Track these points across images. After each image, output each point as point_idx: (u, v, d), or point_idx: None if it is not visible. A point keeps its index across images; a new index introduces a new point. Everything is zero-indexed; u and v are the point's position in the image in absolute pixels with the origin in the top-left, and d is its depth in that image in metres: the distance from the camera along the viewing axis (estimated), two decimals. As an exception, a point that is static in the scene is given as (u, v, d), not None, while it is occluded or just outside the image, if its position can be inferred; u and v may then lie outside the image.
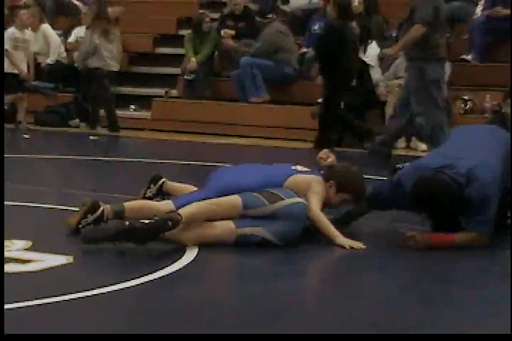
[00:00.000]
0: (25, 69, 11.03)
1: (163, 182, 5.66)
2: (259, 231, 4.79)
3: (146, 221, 4.64)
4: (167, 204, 5.10)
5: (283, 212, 4.81)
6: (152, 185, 5.69)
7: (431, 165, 4.96)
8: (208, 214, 4.81)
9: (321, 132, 9.61)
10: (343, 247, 4.85)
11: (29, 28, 11.41)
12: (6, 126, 10.37)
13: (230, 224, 4.79)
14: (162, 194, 5.65)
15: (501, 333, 3.44)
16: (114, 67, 11.02)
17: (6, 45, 10.86)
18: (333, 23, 9.74)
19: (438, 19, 8.44)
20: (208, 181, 5.28)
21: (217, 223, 4.80)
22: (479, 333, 3.48)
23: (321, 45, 9.75)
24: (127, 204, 5.14)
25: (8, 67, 10.94)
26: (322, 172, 5.28)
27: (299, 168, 5.30)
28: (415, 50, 8.42)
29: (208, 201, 4.87)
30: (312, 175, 5.21)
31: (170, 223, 4.59)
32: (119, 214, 5.06)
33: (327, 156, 5.59)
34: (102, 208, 5.02)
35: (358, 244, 4.89)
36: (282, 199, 4.84)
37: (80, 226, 5.02)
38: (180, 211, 4.75)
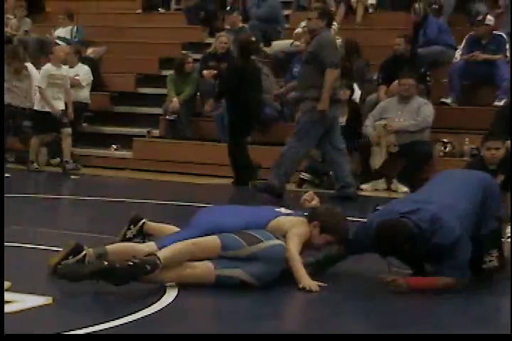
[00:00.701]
0: (61, 107, 10.88)
1: (143, 223, 5.64)
2: (237, 272, 4.80)
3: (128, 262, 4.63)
4: (150, 247, 5.09)
5: (261, 254, 4.82)
6: (132, 226, 5.65)
7: (398, 210, 5.02)
8: (187, 256, 4.82)
9: (238, 168, 9.97)
10: (306, 289, 4.85)
11: (65, 64, 11.28)
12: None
13: (208, 266, 4.80)
14: (142, 235, 5.62)
15: (501, 333, 3.41)
16: (23, 104, 11.34)
17: (42, 84, 10.71)
18: (236, 61, 10.22)
19: (339, 61, 8.85)
20: (192, 221, 5.28)
21: (196, 264, 4.80)
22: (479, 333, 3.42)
23: (222, 82, 10.29)
24: (110, 247, 5.13)
25: (39, 105, 10.83)
26: (306, 213, 5.30)
27: (283, 210, 5.33)
28: (311, 91, 8.67)
29: (188, 241, 4.88)
30: (296, 217, 5.23)
31: (148, 267, 4.59)
32: (102, 257, 5.04)
33: (311, 198, 5.62)
34: (84, 252, 5.01)
35: (317, 287, 4.88)
36: (261, 241, 4.86)
37: (60, 266, 5.00)
38: (159, 252, 4.75)
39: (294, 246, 5.00)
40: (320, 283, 4.92)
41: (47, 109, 10.77)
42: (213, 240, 4.89)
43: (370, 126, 9.90)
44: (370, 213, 6.11)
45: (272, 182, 8.85)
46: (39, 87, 10.74)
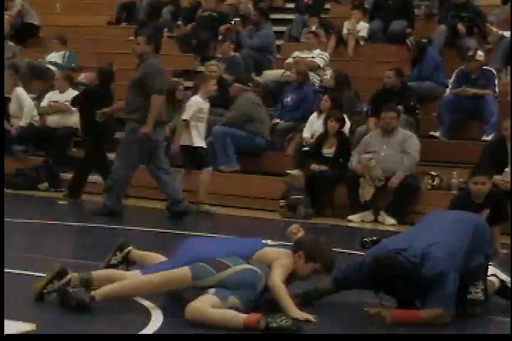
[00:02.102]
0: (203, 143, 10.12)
1: (129, 251, 5.63)
2: (234, 300, 4.77)
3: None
4: (134, 275, 5.09)
5: (231, 280, 4.82)
6: (118, 253, 5.64)
7: (390, 248, 5.08)
8: (151, 286, 4.86)
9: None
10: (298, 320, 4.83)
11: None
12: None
13: (218, 302, 4.72)
14: (127, 262, 5.61)
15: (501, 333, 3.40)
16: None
17: (189, 116, 9.83)
18: (92, 86, 11.06)
19: (165, 87, 9.28)
20: (177, 251, 5.28)
21: (209, 307, 4.70)
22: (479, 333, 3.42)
23: (77, 105, 10.94)
24: (95, 273, 5.12)
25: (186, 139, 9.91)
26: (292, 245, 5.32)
27: (270, 242, 5.34)
28: (135, 114, 9.05)
29: (156, 273, 4.91)
30: (281, 249, 5.24)
31: (74, 302, 4.68)
32: (86, 283, 5.04)
33: (297, 231, 5.63)
34: (69, 276, 5.00)
35: (310, 318, 4.87)
36: (229, 266, 4.86)
37: (45, 291, 4.99)
38: (113, 285, 4.81)
39: (277, 275, 4.99)
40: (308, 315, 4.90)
41: (195, 144, 9.92)
42: (182, 270, 4.91)
43: (355, 160, 9.93)
44: (358, 245, 6.17)
45: (106, 204, 9.23)
46: (185, 120, 9.93)
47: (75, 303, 4.71)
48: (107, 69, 11.09)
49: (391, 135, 9.97)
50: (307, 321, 4.83)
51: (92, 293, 4.75)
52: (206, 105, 10.10)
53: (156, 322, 4.56)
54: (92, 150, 10.71)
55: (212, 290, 4.79)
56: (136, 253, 5.64)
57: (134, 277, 5.04)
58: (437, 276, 4.92)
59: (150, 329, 4.43)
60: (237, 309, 4.77)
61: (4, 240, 7.20)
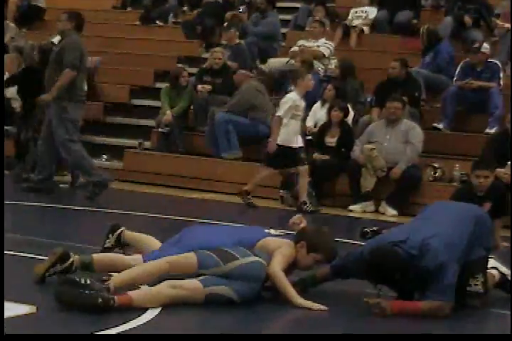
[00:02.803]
0: (300, 142, 9.62)
1: (121, 232, 5.61)
2: (224, 290, 4.79)
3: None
4: (136, 260, 5.10)
5: (238, 272, 4.83)
6: (110, 235, 5.64)
7: (389, 240, 5.09)
8: (161, 274, 4.82)
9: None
10: (306, 308, 4.87)
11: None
12: None
13: (196, 285, 4.77)
14: (120, 244, 5.59)
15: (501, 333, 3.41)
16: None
17: (284, 114, 9.29)
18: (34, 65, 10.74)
19: (82, 64, 9.20)
20: (180, 237, 5.28)
21: (185, 284, 4.76)
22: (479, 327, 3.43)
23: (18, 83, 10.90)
24: (96, 257, 5.14)
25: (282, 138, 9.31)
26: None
27: (272, 231, 5.35)
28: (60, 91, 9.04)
29: (164, 260, 4.88)
30: (283, 239, 5.24)
31: (100, 299, 4.47)
32: (88, 266, 5.06)
33: (300, 221, 5.63)
34: (72, 259, 5.02)
35: (316, 306, 4.92)
36: (237, 258, 4.86)
37: (47, 274, 5.01)
38: (129, 272, 4.75)
39: (277, 265, 5.00)
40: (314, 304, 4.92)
41: (290, 144, 9.38)
42: (190, 258, 4.90)
43: (357, 150, 9.92)
44: (358, 235, 6.17)
45: (92, 179, 9.25)
46: (279, 117, 9.40)
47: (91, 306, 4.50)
48: (47, 46, 10.79)
49: (395, 125, 9.96)
50: (311, 309, 4.86)
51: (106, 285, 4.67)
52: (302, 103, 9.60)
53: (148, 315, 4.54)
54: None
55: (202, 276, 4.79)
56: (128, 234, 5.62)
57: (136, 262, 5.05)
58: (437, 268, 4.93)
59: (140, 320, 4.42)
60: (230, 299, 4.78)
61: (5, 223, 7.21)
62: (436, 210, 5.54)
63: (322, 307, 4.93)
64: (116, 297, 4.49)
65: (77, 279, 4.54)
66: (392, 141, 9.89)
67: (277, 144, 9.37)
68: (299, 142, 9.54)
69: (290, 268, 5.14)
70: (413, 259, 4.95)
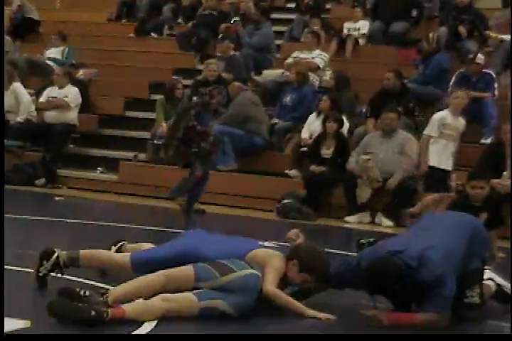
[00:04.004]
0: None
1: (122, 244, 5.68)
2: (219, 304, 4.76)
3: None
4: (124, 258, 5.12)
5: (235, 284, 4.79)
6: (113, 247, 5.70)
7: (385, 249, 5.06)
8: (158, 287, 4.78)
9: None
10: (316, 318, 4.88)
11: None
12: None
13: (191, 298, 4.73)
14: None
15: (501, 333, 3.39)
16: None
17: (433, 132, 9.30)
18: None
19: None
20: (171, 241, 5.29)
21: (179, 297, 4.72)
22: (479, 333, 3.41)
23: None
24: (83, 252, 5.19)
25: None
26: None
27: (267, 243, 5.31)
28: None
29: (161, 272, 4.84)
30: (274, 251, 5.20)
31: (93, 312, 4.42)
32: (74, 261, 5.13)
33: (297, 236, 5.58)
34: (56, 253, 5.06)
35: (327, 315, 4.93)
36: (233, 271, 4.83)
37: (40, 274, 5.07)
38: (126, 285, 4.72)
39: (270, 283, 4.94)
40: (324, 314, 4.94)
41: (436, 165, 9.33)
42: (187, 271, 4.87)
43: (353, 161, 9.92)
44: (355, 246, 6.15)
45: None
46: (430, 136, 9.34)
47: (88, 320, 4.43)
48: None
49: (391, 136, 9.96)
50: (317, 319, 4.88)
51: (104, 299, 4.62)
52: (458, 122, 9.38)
53: (144, 329, 4.50)
54: None
55: (198, 290, 4.77)
56: (129, 247, 5.66)
57: (124, 259, 5.06)
58: (435, 280, 4.90)
59: (140, 331, 4.40)
60: (224, 313, 4.76)
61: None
62: (433, 220, 5.52)
63: (330, 316, 4.94)
64: (110, 310, 4.46)
65: (77, 290, 4.52)
66: (387, 152, 9.89)
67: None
68: (448, 165, 9.24)
69: (282, 282, 5.09)
70: (411, 271, 4.93)
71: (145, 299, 4.72)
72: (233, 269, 4.84)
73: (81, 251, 5.20)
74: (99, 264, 5.18)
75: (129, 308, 4.55)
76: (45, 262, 5.09)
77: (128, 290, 4.74)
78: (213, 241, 5.27)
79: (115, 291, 4.70)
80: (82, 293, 4.50)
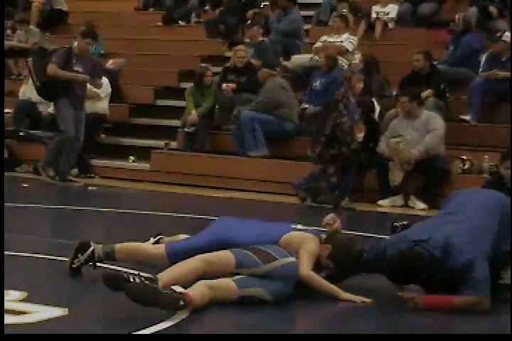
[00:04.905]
0: None
1: (160, 238, 5.71)
2: (259, 292, 4.75)
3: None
4: (159, 249, 5.13)
5: (277, 272, 4.79)
6: (152, 238, 5.78)
7: (410, 238, 5.02)
8: (198, 272, 4.78)
9: None
10: (351, 301, 4.90)
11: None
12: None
13: (231, 286, 4.72)
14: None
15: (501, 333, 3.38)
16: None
17: None
18: None
19: None
20: (205, 228, 5.30)
21: (221, 285, 4.71)
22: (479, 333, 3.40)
23: None
24: (118, 246, 5.20)
25: None
26: (324, 235, 5.27)
27: (300, 226, 5.30)
28: None
29: (200, 257, 4.83)
30: (308, 234, 5.19)
31: (181, 302, 4.43)
32: (110, 255, 5.13)
33: (334, 221, 5.57)
34: (92, 247, 5.07)
35: (363, 298, 4.94)
36: (276, 259, 4.82)
37: (74, 266, 5.12)
38: (169, 270, 4.71)
39: (306, 267, 4.95)
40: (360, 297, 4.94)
41: None
42: (227, 257, 4.85)
43: (383, 144, 9.86)
44: (389, 230, 6.12)
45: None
46: None
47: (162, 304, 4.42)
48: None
49: (415, 118, 9.88)
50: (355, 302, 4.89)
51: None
52: None
53: (180, 315, 4.49)
54: None
55: (238, 276, 4.77)
56: (167, 239, 5.70)
57: (159, 250, 5.08)
58: (465, 266, 4.85)
59: (169, 322, 4.38)
60: (262, 299, 4.76)
61: (34, 226, 7.25)
62: (461, 201, 5.40)
63: (366, 299, 4.95)
64: (185, 297, 4.45)
65: (124, 275, 4.48)
66: (414, 133, 9.81)
67: None
68: None
69: (317, 265, 5.09)
70: (437, 260, 4.89)
71: (185, 286, 4.71)
72: (275, 257, 4.83)
73: (116, 245, 5.19)
74: (135, 257, 5.18)
75: (193, 296, 4.50)
76: (79, 255, 5.09)
77: (174, 278, 4.72)
78: (246, 227, 5.27)
79: (164, 276, 4.69)
80: (131, 278, 4.49)
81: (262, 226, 5.33)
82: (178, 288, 4.66)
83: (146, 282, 4.47)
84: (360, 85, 10.37)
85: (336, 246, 5.12)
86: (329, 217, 5.62)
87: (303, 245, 5.06)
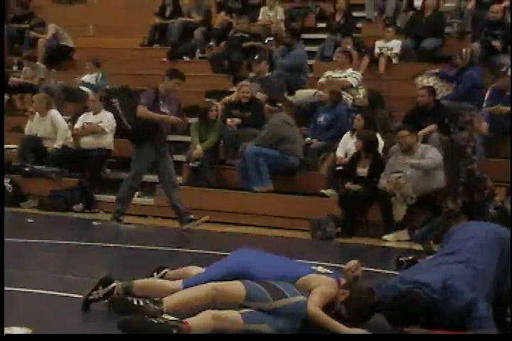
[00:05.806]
0: None
1: (165, 273, 5.71)
2: (262, 327, 4.73)
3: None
4: (176, 285, 5.12)
5: (286, 310, 4.78)
6: (155, 274, 5.75)
7: (409, 280, 5.02)
8: (207, 300, 4.77)
9: None
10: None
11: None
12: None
13: (238, 319, 4.70)
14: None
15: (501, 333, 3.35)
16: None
17: None
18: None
19: None
20: (222, 260, 5.28)
21: (228, 318, 4.69)
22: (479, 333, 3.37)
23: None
24: (137, 282, 5.24)
25: None
26: (343, 279, 5.25)
27: (320, 269, 5.28)
28: None
29: (211, 285, 4.82)
30: (327, 277, 5.17)
31: (174, 331, 4.44)
32: (128, 290, 5.15)
33: (356, 268, 5.55)
34: (114, 284, 5.13)
35: (364, 332, 4.91)
36: (286, 296, 4.80)
37: (91, 297, 5.15)
38: (175, 296, 4.71)
39: (313, 304, 4.92)
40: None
41: None
42: (239, 288, 4.83)
43: (384, 179, 9.87)
44: (392, 266, 6.09)
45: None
46: None
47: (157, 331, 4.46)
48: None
49: (412, 152, 9.90)
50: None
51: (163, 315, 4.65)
52: None
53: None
54: None
55: (246, 310, 4.74)
56: (172, 273, 5.68)
57: (177, 286, 5.07)
58: (466, 307, 4.83)
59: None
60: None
61: (39, 261, 7.23)
62: (461, 239, 5.36)
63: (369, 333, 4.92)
64: (182, 326, 4.46)
65: (129, 299, 4.54)
66: (412, 168, 9.81)
67: None
68: None
69: (330, 306, 5.07)
70: (436, 302, 4.87)
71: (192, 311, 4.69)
72: (285, 294, 4.82)
73: (135, 281, 5.25)
74: (153, 293, 5.17)
75: (193, 324, 4.52)
76: (100, 287, 5.15)
77: (181, 303, 4.75)
78: (266, 263, 5.25)
79: (170, 300, 4.70)
80: (135, 302, 4.51)
81: (281, 264, 5.31)
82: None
83: (149, 306, 4.54)
84: (485, 126, 10.19)
85: (353, 293, 5.11)
86: (352, 263, 5.58)
87: (319, 286, 5.05)
